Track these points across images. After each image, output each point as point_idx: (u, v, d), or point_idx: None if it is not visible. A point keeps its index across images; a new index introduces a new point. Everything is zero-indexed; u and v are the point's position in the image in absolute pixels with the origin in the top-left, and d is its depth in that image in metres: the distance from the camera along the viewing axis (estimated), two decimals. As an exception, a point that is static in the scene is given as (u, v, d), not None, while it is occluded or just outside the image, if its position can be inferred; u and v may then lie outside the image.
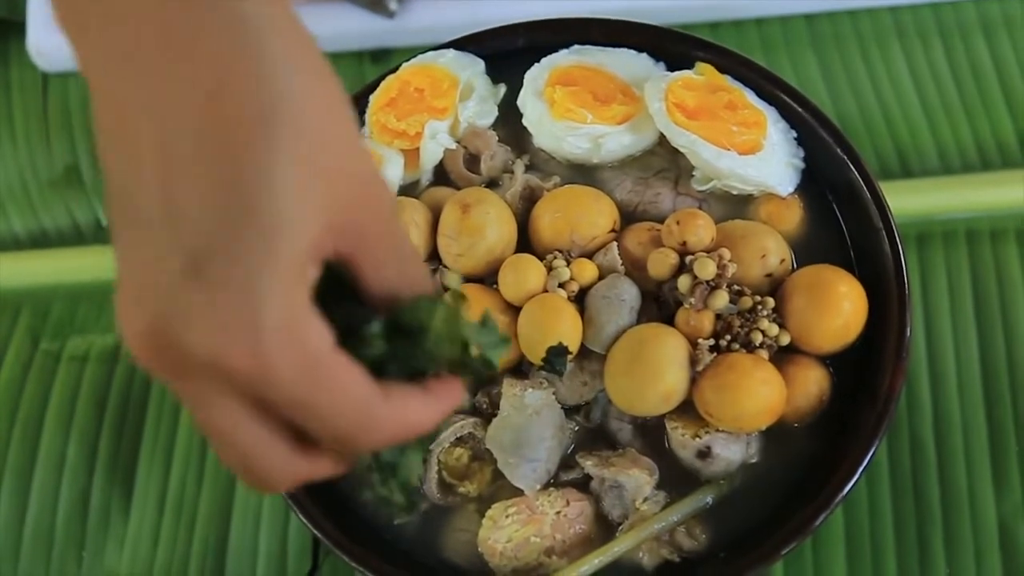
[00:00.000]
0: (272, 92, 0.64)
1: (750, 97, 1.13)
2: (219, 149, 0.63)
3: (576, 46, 1.17)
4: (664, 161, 1.14)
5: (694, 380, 1.02)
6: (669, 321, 1.05)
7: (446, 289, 1.02)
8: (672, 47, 1.17)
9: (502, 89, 1.19)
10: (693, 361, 1.02)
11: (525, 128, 1.15)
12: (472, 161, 1.14)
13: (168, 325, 0.63)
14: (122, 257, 0.65)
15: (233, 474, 1.26)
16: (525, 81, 1.16)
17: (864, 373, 1.06)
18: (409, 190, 1.14)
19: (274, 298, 0.62)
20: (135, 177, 0.64)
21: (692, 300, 1.03)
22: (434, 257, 1.10)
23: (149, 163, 0.63)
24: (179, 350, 0.63)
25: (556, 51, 1.17)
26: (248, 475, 0.69)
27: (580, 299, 1.06)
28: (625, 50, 1.17)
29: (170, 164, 0.63)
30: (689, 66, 1.14)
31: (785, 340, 1.04)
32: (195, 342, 0.62)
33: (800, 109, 1.13)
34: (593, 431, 1.08)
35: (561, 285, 1.05)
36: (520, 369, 1.08)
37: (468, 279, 1.09)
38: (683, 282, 1.03)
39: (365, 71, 1.47)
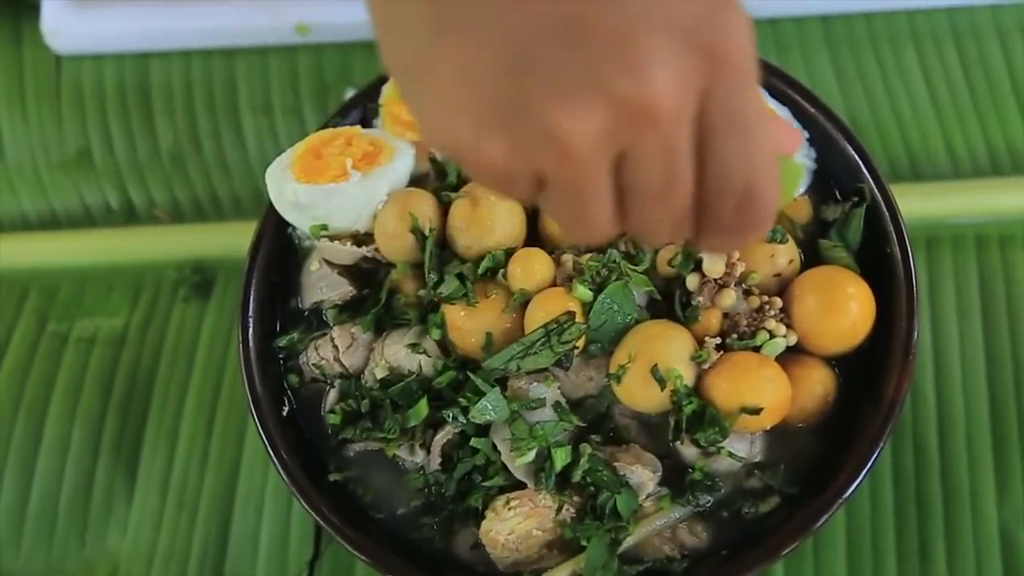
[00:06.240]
0: None
1: (763, 96, 1.13)
2: None
3: (588, 40, 1.17)
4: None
5: (700, 377, 1.03)
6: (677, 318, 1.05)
7: None
8: (685, 44, 1.17)
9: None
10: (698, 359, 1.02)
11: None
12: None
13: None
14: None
15: (237, 458, 1.27)
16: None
17: (870, 375, 1.06)
18: (420, 181, 1.14)
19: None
20: None
21: (700, 298, 1.03)
22: (444, 247, 1.09)
23: None
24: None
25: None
26: (582, 228, 0.73)
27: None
28: (638, 46, 1.16)
29: None
30: (702, 64, 1.14)
31: (792, 340, 1.04)
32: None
33: (813, 109, 1.13)
34: (597, 426, 1.08)
35: (569, 279, 1.05)
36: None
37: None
38: (691, 280, 1.03)
39: (377, 62, 1.46)
